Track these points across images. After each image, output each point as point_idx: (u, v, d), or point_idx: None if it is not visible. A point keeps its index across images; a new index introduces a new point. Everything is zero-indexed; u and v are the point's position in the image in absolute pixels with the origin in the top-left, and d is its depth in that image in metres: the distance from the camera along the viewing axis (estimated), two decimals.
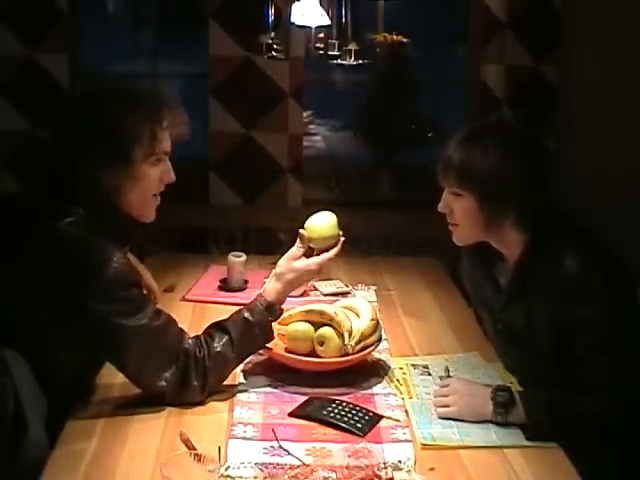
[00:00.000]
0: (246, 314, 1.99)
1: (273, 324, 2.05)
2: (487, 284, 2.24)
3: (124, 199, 1.93)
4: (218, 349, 1.94)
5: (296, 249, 2.04)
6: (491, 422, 1.87)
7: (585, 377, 1.96)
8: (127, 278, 1.86)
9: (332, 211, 2.10)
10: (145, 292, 2.04)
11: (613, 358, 1.95)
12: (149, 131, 1.90)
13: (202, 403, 1.92)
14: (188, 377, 1.89)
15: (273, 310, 2.02)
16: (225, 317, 2.02)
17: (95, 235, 1.85)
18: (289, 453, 1.72)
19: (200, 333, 1.99)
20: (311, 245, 2.05)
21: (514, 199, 2.05)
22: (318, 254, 2.05)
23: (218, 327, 1.99)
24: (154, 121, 1.92)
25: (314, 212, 2.10)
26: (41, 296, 1.83)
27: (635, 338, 2.00)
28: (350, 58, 2.55)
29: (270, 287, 2.03)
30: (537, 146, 2.15)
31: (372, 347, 2.11)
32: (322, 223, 2.07)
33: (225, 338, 1.95)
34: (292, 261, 2.03)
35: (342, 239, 2.06)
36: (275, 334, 2.10)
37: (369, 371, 2.12)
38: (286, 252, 2.06)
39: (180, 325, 1.97)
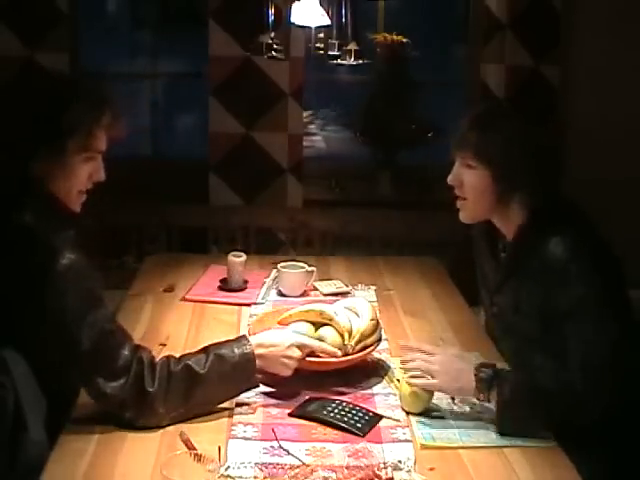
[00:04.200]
0: (226, 351, 1.90)
1: (272, 326, 2.03)
2: (490, 264, 2.26)
3: (51, 189, 1.90)
4: (189, 362, 1.85)
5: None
6: (491, 422, 1.86)
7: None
8: (78, 272, 1.80)
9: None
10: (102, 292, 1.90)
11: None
12: (86, 128, 1.89)
13: (161, 423, 1.80)
14: (142, 385, 1.80)
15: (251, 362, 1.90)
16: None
17: (42, 227, 1.83)
18: (289, 453, 1.72)
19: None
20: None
21: (526, 179, 2.08)
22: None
23: (202, 351, 1.91)
24: (93, 119, 1.90)
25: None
26: (15, 295, 1.80)
27: (621, 325, 1.96)
28: (350, 58, 2.55)
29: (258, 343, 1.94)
30: (545, 134, 2.22)
31: (372, 347, 2.11)
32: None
33: (202, 356, 1.87)
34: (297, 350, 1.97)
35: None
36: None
37: (369, 371, 2.12)
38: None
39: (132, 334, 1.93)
